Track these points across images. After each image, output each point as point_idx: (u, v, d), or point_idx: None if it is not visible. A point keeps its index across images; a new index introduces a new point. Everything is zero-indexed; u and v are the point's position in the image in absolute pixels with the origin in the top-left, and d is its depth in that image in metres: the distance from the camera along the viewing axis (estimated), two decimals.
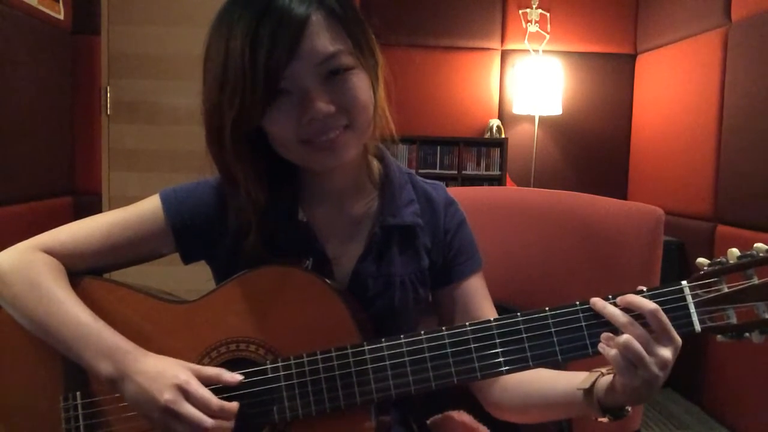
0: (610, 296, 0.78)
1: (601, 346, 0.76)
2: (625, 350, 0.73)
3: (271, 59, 0.76)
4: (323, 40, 0.78)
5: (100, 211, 2.43)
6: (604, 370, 0.81)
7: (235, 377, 0.81)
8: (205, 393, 0.77)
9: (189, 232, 0.91)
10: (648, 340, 0.73)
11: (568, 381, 0.85)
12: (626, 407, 0.80)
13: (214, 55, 0.80)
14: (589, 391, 0.81)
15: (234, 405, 0.79)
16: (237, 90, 0.78)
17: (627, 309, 0.76)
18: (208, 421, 0.76)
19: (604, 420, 0.81)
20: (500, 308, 0.98)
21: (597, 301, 0.78)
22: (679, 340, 0.74)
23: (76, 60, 2.88)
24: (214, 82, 0.80)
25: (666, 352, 0.73)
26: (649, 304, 0.74)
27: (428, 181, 1.00)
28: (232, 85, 0.78)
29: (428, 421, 1.08)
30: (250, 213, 0.86)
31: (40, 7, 2.53)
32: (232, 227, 0.89)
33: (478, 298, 0.97)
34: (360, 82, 0.82)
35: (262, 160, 0.86)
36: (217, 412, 0.77)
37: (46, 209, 2.62)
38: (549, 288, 1.22)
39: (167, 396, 0.76)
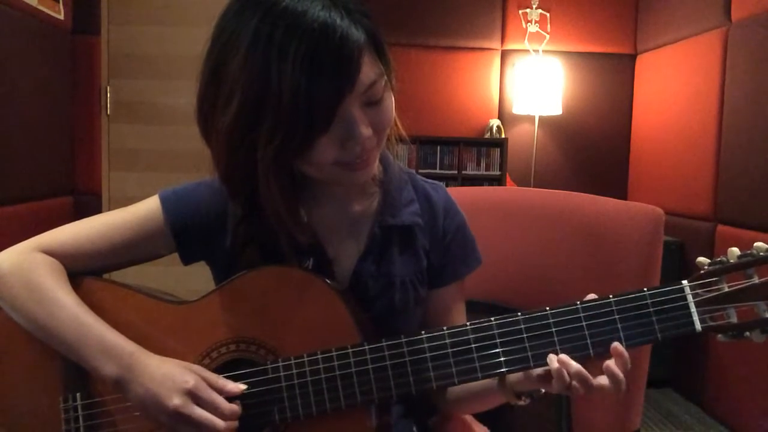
0: (611, 296, 0.78)
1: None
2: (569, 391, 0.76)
3: (331, 94, 0.72)
4: (367, 67, 0.75)
5: (100, 211, 2.43)
6: None
7: (239, 387, 0.81)
8: (216, 397, 0.78)
9: (188, 232, 0.91)
10: (585, 380, 0.75)
11: None
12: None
13: (247, 75, 0.72)
14: (502, 380, 0.85)
15: (237, 408, 0.80)
16: (282, 121, 0.72)
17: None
18: (220, 423, 0.77)
19: (521, 402, 0.85)
20: (500, 308, 0.98)
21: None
22: (611, 383, 0.75)
23: (76, 60, 2.88)
24: (247, 106, 0.73)
25: (603, 381, 0.75)
26: (573, 367, 0.75)
27: (429, 181, 1.00)
28: (275, 115, 0.72)
29: (428, 421, 1.08)
30: (254, 223, 0.86)
31: (40, 7, 2.53)
32: (232, 228, 0.88)
33: (450, 303, 0.99)
34: (390, 102, 0.82)
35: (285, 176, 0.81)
36: (228, 414, 0.78)
37: (46, 209, 2.62)
38: (549, 288, 1.22)
39: (176, 401, 0.77)
